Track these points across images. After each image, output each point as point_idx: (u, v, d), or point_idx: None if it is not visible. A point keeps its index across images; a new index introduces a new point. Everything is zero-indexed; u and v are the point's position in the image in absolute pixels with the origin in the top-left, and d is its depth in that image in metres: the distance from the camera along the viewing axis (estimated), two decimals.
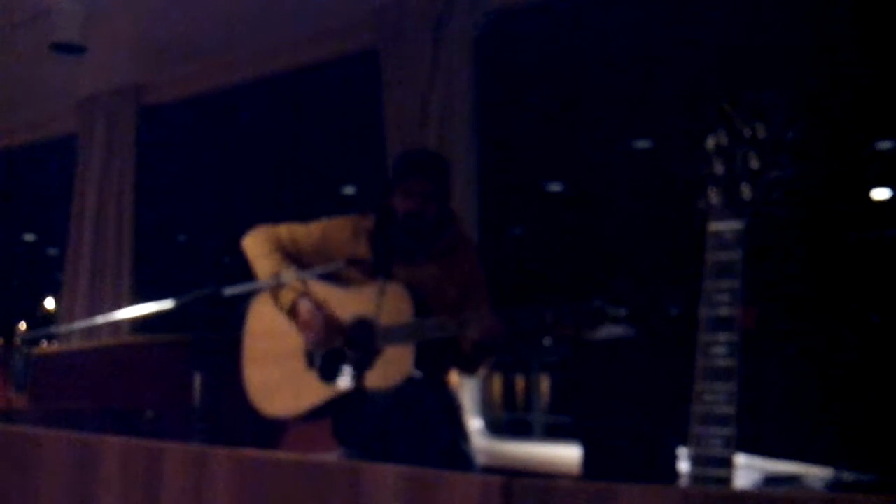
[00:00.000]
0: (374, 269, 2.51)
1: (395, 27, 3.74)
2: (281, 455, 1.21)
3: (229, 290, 2.45)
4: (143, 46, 4.52)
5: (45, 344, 4.91)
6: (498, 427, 3.83)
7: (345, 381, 2.42)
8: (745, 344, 1.37)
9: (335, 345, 2.49)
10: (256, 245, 2.62)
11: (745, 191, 1.41)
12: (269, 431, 3.01)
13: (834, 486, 2.13)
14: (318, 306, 2.50)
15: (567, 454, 3.10)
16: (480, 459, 2.66)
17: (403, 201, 2.49)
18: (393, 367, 2.37)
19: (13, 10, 3.95)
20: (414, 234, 2.52)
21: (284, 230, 2.65)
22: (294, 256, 2.60)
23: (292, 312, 2.53)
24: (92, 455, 1.45)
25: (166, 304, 2.46)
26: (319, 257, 2.59)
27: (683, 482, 1.60)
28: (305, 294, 2.52)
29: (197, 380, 2.40)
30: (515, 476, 0.97)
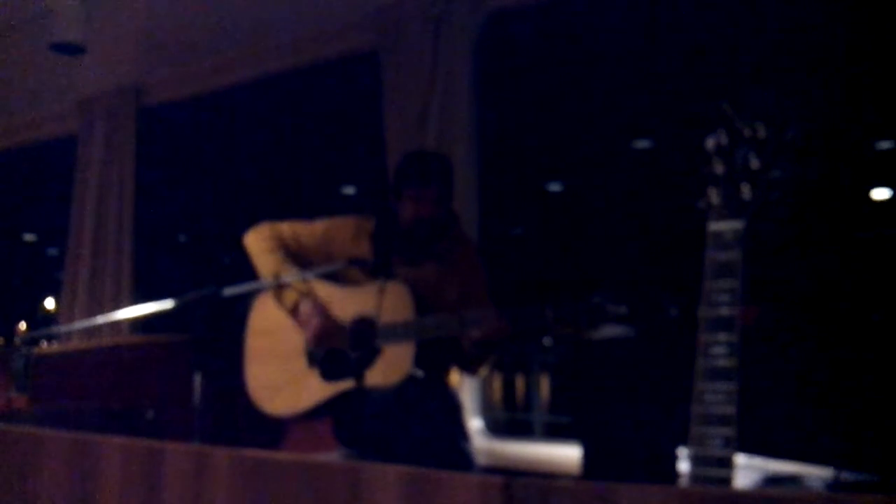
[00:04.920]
0: (375, 268, 2.51)
1: (395, 27, 3.74)
2: (281, 455, 1.21)
3: (229, 290, 2.46)
4: (143, 46, 4.52)
5: (45, 344, 4.91)
6: (498, 427, 3.83)
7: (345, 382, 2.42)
8: (745, 344, 1.36)
9: (336, 344, 2.49)
10: (259, 242, 2.63)
11: (745, 191, 1.41)
12: (269, 431, 3.01)
13: (834, 486, 2.13)
14: (320, 306, 2.51)
15: (567, 454, 3.10)
16: (480, 459, 2.66)
17: (414, 207, 2.49)
18: (393, 365, 2.37)
19: (13, 10, 3.95)
20: (420, 238, 2.52)
21: (287, 227, 2.65)
22: (296, 254, 2.61)
23: (294, 312, 2.54)
24: (92, 455, 1.45)
25: (166, 304, 2.46)
26: (321, 255, 2.60)
27: (683, 482, 1.60)
28: (307, 294, 2.53)
29: (197, 380, 2.40)
30: (515, 476, 0.97)
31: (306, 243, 2.63)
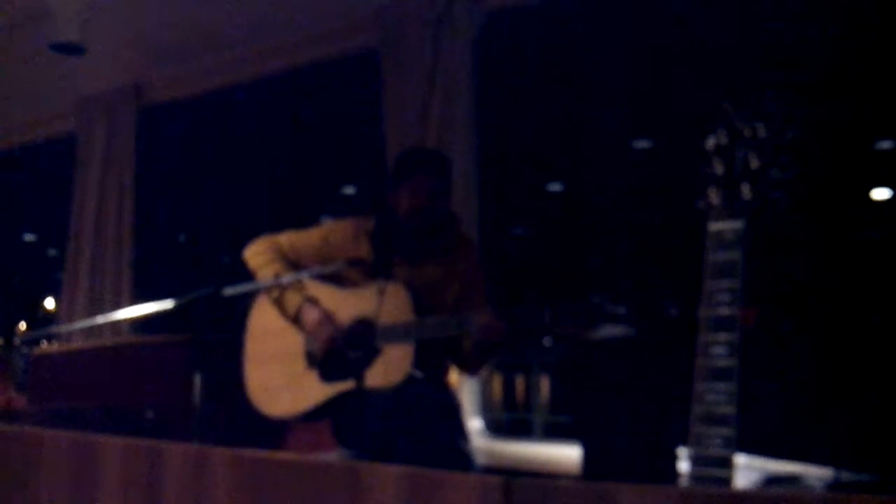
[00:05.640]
0: (374, 269, 2.51)
1: (395, 27, 3.74)
2: (281, 455, 1.21)
3: (229, 290, 2.45)
4: (142, 46, 4.52)
5: (45, 344, 4.91)
6: (498, 427, 3.83)
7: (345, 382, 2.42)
8: (745, 344, 1.36)
9: (336, 345, 2.49)
10: (258, 255, 2.63)
11: (745, 191, 1.41)
12: (269, 431, 3.01)
13: (834, 486, 2.13)
14: (324, 313, 2.50)
15: (567, 454, 3.10)
16: (480, 459, 2.66)
17: (410, 198, 2.50)
18: (393, 366, 2.37)
19: (13, 10, 3.95)
20: (417, 232, 2.52)
21: (285, 239, 2.65)
22: (296, 263, 2.61)
23: (297, 318, 2.53)
24: (92, 455, 1.45)
25: (166, 304, 2.46)
26: (321, 262, 2.60)
27: (683, 482, 1.60)
28: (310, 300, 2.53)
29: (197, 380, 2.40)
30: (515, 476, 0.97)
31: (305, 251, 2.63)
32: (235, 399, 2.62)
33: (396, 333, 2.39)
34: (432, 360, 2.45)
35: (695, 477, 1.35)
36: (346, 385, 2.43)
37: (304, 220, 2.74)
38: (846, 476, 2.13)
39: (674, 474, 2.21)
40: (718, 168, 1.45)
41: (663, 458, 2.24)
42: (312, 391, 2.49)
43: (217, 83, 4.73)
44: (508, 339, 2.31)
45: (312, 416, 2.52)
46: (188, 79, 4.80)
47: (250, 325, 2.68)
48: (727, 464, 1.34)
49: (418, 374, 2.36)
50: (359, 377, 2.39)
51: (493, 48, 3.71)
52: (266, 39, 4.29)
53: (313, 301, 2.53)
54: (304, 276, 2.55)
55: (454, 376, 2.62)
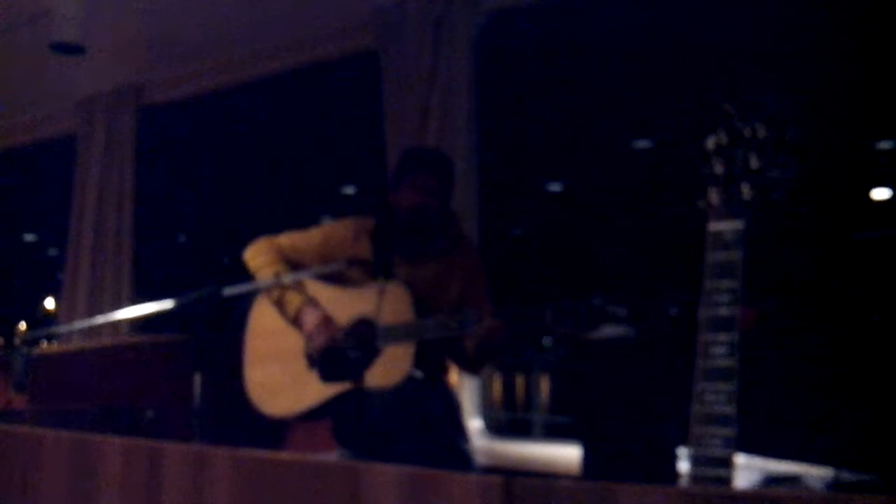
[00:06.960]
0: (375, 268, 2.51)
1: (395, 27, 3.74)
2: (281, 455, 1.21)
3: (229, 290, 2.45)
4: (142, 46, 4.52)
5: (45, 344, 4.91)
6: (498, 427, 3.83)
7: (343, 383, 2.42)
8: (745, 344, 1.36)
9: (336, 345, 2.49)
10: (257, 256, 2.62)
11: (745, 191, 1.41)
12: (269, 431, 3.01)
13: (834, 486, 2.13)
14: (323, 316, 2.49)
15: (567, 454, 3.10)
16: (480, 459, 2.66)
17: (408, 195, 2.50)
18: (393, 366, 2.37)
19: (13, 10, 3.95)
20: (416, 230, 2.52)
21: (284, 239, 2.65)
22: (296, 264, 2.60)
23: (296, 320, 2.53)
24: (92, 455, 1.45)
25: (166, 304, 2.46)
26: (322, 262, 2.60)
27: (683, 482, 1.60)
28: (311, 301, 2.52)
29: (197, 380, 2.40)
30: (515, 476, 0.97)
31: (305, 252, 2.62)
32: (235, 399, 2.62)
33: (397, 334, 2.39)
34: (432, 360, 2.45)
35: (695, 477, 1.35)
36: (346, 385, 2.43)
37: (304, 220, 2.74)
38: (846, 476, 2.13)
39: (674, 474, 2.21)
40: (718, 168, 1.44)
41: (663, 458, 2.24)
42: (312, 391, 2.49)
43: (217, 83, 4.73)
44: (510, 339, 2.31)
45: (312, 416, 2.52)
46: (188, 79, 4.80)
47: (250, 326, 2.68)
48: (727, 464, 1.34)
49: (418, 374, 2.36)
50: (359, 377, 2.39)
51: (492, 48, 3.72)
52: (266, 39, 4.29)
53: (313, 302, 2.53)
54: (305, 276, 2.55)
55: (454, 376, 2.62)
